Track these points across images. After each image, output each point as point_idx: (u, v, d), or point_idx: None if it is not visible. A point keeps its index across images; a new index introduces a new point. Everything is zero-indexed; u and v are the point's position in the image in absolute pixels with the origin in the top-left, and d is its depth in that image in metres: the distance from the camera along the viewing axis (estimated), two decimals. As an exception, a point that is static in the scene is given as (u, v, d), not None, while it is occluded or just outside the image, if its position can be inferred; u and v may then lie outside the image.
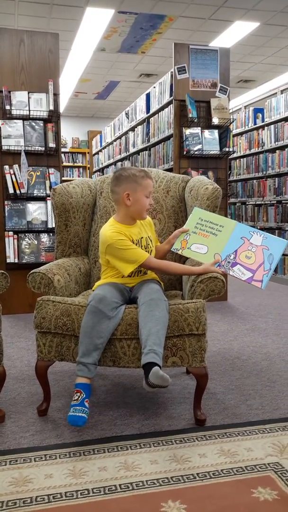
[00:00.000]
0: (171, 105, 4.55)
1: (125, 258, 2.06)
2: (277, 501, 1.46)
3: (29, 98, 3.99)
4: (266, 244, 2.03)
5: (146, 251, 2.13)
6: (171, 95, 4.57)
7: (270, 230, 6.16)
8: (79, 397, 1.83)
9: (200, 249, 2.09)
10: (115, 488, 1.54)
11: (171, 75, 4.54)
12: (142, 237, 2.16)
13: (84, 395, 1.83)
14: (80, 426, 1.82)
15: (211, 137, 4.45)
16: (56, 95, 4.05)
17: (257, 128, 6.52)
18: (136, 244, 2.10)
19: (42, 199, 4.08)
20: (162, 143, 5.05)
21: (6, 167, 3.95)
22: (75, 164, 11.30)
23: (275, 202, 6.07)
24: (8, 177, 3.92)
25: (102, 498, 1.49)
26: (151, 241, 2.21)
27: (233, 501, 1.47)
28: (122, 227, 2.12)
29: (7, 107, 3.92)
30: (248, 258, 2.01)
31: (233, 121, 4.70)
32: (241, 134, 6.93)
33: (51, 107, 4.00)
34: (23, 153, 3.93)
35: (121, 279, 2.11)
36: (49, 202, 4.04)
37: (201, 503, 1.46)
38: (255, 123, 6.57)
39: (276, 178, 5.96)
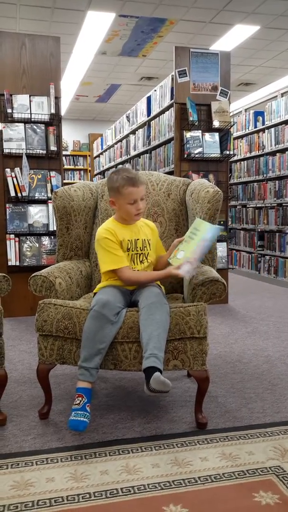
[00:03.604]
0: (172, 108, 4.56)
1: (103, 258, 2.11)
2: (279, 505, 1.46)
3: (30, 101, 4.00)
4: (211, 236, 2.04)
5: (141, 253, 2.14)
6: (171, 98, 4.58)
7: (270, 233, 6.17)
8: (80, 401, 1.83)
9: (181, 255, 2.09)
10: (117, 491, 1.54)
11: (172, 79, 4.55)
12: (138, 239, 2.16)
13: (86, 400, 1.83)
14: (81, 431, 1.83)
15: (211, 140, 4.46)
16: (57, 98, 4.06)
17: (257, 131, 6.53)
18: (128, 244, 2.12)
19: (44, 202, 4.09)
20: (163, 146, 5.06)
21: (8, 170, 3.96)
22: (76, 167, 11.31)
23: (275, 205, 6.07)
24: (9, 180, 3.93)
25: (103, 502, 1.49)
26: (149, 244, 2.20)
27: (235, 505, 1.47)
28: (117, 225, 2.16)
29: (9, 111, 3.93)
30: (194, 253, 2.01)
31: (233, 124, 4.71)
32: (241, 137, 6.94)
33: (52, 110, 4.01)
34: (24, 156, 3.94)
35: (122, 282, 2.12)
36: (50, 205, 4.05)
37: (203, 507, 1.46)
38: (255, 126, 6.58)
39: (277, 181, 5.97)
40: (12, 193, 3.92)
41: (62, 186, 3.95)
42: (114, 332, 1.92)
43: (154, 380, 1.74)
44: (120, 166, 7.27)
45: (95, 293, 2.15)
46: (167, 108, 4.83)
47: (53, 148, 4.06)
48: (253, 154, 6.60)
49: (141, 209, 2.13)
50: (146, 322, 1.88)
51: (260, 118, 6.52)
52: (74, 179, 11.20)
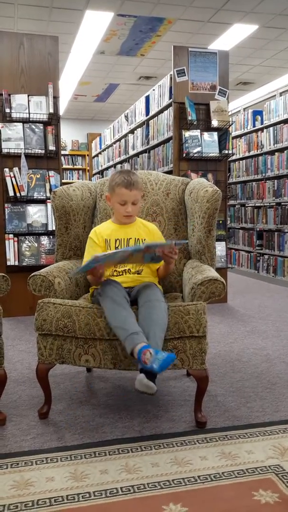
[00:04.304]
0: (171, 107, 4.56)
1: (84, 256, 2.26)
2: (279, 504, 1.46)
3: (29, 101, 4.00)
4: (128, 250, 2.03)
5: None
6: (170, 98, 4.58)
7: (269, 232, 6.17)
8: (151, 352, 1.74)
9: None
10: (117, 491, 1.54)
11: (171, 78, 4.54)
12: (130, 238, 2.21)
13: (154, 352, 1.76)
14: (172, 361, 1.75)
15: (210, 139, 4.46)
16: (55, 98, 4.06)
17: (256, 131, 6.53)
18: (116, 243, 2.19)
19: (42, 201, 4.08)
20: (162, 146, 5.06)
21: (6, 170, 3.95)
22: (75, 167, 11.30)
23: (274, 204, 6.07)
24: (8, 180, 3.93)
25: (103, 501, 1.49)
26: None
27: (235, 504, 1.47)
28: (111, 225, 2.26)
29: (7, 110, 3.92)
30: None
31: (232, 124, 4.71)
32: (240, 136, 6.94)
33: (51, 110, 4.01)
34: (23, 156, 3.93)
35: (116, 278, 2.13)
36: (49, 205, 4.05)
37: (202, 506, 1.46)
38: (254, 126, 6.58)
39: (275, 180, 5.97)
40: (11, 193, 3.92)
41: (60, 185, 3.95)
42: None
43: (138, 382, 1.74)
44: (120, 166, 7.27)
45: (93, 290, 2.15)
46: (166, 108, 4.83)
47: (51, 147, 4.05)
48: (251, 153, 6.60)
49: (129, 212, 2.17)
50: (143, 322, 1.89)
51: (259, 117, 6.52)
52: (72, 179, 11.19)
